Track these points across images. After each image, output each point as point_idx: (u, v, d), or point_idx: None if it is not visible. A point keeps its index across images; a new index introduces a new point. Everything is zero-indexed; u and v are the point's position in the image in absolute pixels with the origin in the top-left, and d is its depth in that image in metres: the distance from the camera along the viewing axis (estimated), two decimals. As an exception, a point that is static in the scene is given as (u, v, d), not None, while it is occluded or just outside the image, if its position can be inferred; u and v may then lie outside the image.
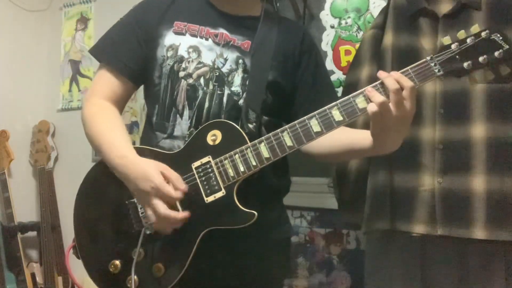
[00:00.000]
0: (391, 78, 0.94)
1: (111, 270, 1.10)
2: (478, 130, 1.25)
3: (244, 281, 1.14)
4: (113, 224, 1.13)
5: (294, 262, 1.89)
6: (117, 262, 1.10)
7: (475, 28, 0.95)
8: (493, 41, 0.93)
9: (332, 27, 1.84)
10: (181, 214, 1.01)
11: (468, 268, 1.27)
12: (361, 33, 1.76)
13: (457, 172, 1.26)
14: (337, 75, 1.82)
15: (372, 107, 0.93)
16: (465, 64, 0.94)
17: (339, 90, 1.77)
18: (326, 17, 1.86)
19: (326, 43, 1.85)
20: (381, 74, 0.96)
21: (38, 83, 2.71)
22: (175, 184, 1.01)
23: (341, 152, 1.14)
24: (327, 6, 1.86)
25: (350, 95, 0.98)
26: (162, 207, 0.99)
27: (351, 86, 1.50)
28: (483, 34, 0.94)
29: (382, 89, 0.95)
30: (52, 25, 2.74)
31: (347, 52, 1.80)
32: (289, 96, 1.22)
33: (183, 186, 1.02)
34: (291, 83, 1.21)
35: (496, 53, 0.93)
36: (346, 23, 1.81)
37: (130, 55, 1.19)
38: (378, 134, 0.98)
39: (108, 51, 1.22)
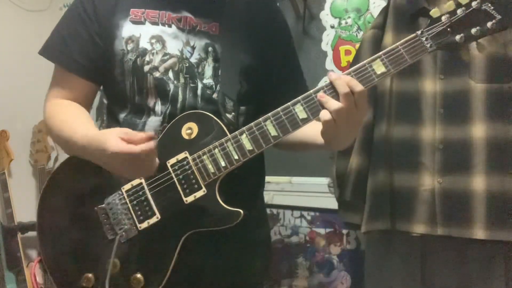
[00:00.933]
0: (341, 80, 0.88)
1: (84, 284, 0.99)
2: (478, 130, 1.25)
3: (223, 281, 1.06)
4: (83, 233, 1.01)
5: (294, 262, 1.89)
6: (90, 275, 0.99)
7: None
8: (484, 11, 0.88)
9: (332, 27, 1.84)
10: (146, 136, 0.88)
11: (468, 268, 1.27)
12: (361, 33, 1.76)
13: (457, 172, 1.26)
14: (337, 75, 1.82)
15: (325, 115, 0.88)
16: (457, 37, 0.89)
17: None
18: (326, 17, 1.86)
19: (326, 43, 1.85)
20: (331, 76, 0.90)
21: (38, 83, 2.70)
22: (134, 140, 0.88)
23: (295, 144, 1.10)
24: (327, 6, 1.86)
25: (311, 91, 0.93)
26: (138, 164, 0.88)
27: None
28: (474, 4, 0.88)
29: (332, 91, 0.89)
30: (52, 25, 2.71)
31: (347, 52, 1.80)
32: (263, 80, 1.12)
33: (144, 134, 0.89)
34: (265, 66, 1.11)
35: (489, 24, 0.88)
36: (346, 23, 1.81)
37: (84, 52, 1.06)
38: (329, 137, 0.94)
39: (58, 50, 1.09)
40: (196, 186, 0.96)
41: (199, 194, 0.96)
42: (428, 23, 0.91)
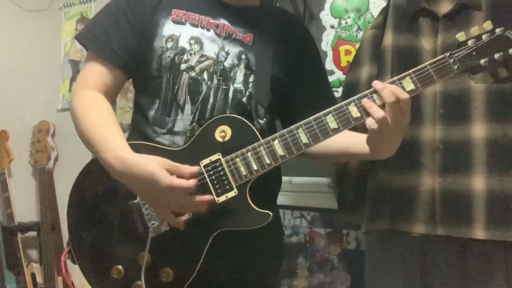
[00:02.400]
0: (387, 90, 0.93)
1: (114, 276, 1.04)
2: (478, 130, 1.25)
3: (238, 283, 1.10)
4: (113, 227, 1.06)
5: (294, 262, 1.89)
6: (120, 267, 1.04)
7: (488, 25, 0.96)
8: (506, 38, 0.94)
9: (332, 27, 1.84)
10: (207, 196, 0.96)
11: (468, 268, 1.27)
12: (361, 33, 1.76)
13: (457, 172, 1.26)
14: (337, 75, 1.82)
15: (372, 124, 0.93)
16: (482, 61, 0.95)
17: (339, 90, 1.77)
18: (326, 17, 1.86)
19: (326, 43, 1.85)
20: (377, 85, 0.95)
21: (38, 83, 2.71)
22: (183, 174, 0.95)
23: (336, 154, 1.13)
24: (327, 6, 1.86)
25: (367, 91, 0.97)
26: (189, 200, 0.94)
27: (351, 86, 1.50)
28: (498, 31, 0.94)
29: (377, 98, 0.95)
30: (52, 25, 2.73)
31: (347, 52, 1.80)
32: (287, 93, 1.18)
33: (192, 169, 0.95)
34: (291, 80, 1.17)
35: (511, 50, 0.94)
36: (346, 23, 1.81)
37: (123, 44, 1.10)
38: (375, 145, 0.98)
39: (98, 39, 1.11)
40: (228, 187, 0.99)
41: (231, 194, 0.99)
42: (455, 46, 0.97)
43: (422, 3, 1.36)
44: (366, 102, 0.95)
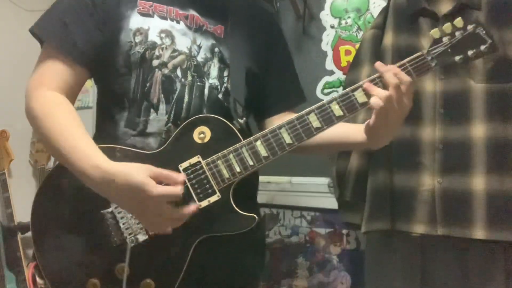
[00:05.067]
0: (390, 72, 0.93)
1: None
2: (478, 130, 1.25)
3: (220, 281, 1.04)
4: (86, 238, 0.97)
5: (294, 262, 1.89)
6: (95, 281, 0.96)
7: (458, 22, 0.96)
8: (478, 35, 0.95)
9: (332, 27, 1.84)
10: (193, 206, 0.90)
11: (468, 268, 1.27)
12: (361, 33, 1.76)
13: (457, 172, 1.26)
14: (337, 75, 1.82)
15: (377, 102, 0.91)
16: (457, 58, 0.97)
17: (339, 90, 1.77)
18: (326, 17, 1.86)
19: (326, 43, 1.85)
20: (380, 67, 0.94)
21: (38, 83, 2.71)
22: (170, 181, 0.88)
23: (332, 144, 1.10)
24: (327, 6, 1.86)
25: (348, 89, 0.97)
26: (174, 212, 0.88)
27: (351, 86, 1.50)
28: (469, 28, 0.96)
29: (381, 84, 0.94)
30: (52, 25, 2.73)
31: (347, 52, 1.80)
32: (259, 87, 1.13)
33: (180, 177, 0.89)
34: (263, 73, 1.13)
35: (482, 47, 0.95)
36: (346, 23, 1.81)
37: (85, 38, 0.99)
38: (378, 129, 0.96)
39: (57, 32, 0.99)
40: (210, 191, 0.95)
41: (214, 199, 0.95)
42: (431, 42, 0.97)
43: (422, 3, 1.36)
44: (368, 85, 0.94)
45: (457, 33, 0.96)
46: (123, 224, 0.96)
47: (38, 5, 2.70)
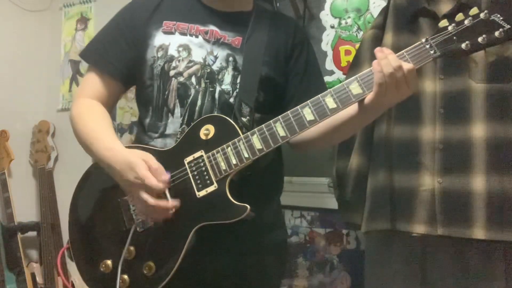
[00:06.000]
0: (393, 55, 0.95)
1: (102, 269, 1.08)
2: (478, 130, 1.25)
3: (237, 283, 1.11)
4: (105, 223, 1.11)
5: (294, 262, 1.89)
6: (109, 261, 1.07)
7: (473, 11, 0.94)
8: (492, 21, 0.92)
9: (332, 27, 1.84)
10: (171, 202, 0.99)
11: (468, 268, 1.27)
12: (361, 33, 1.76)
13: (457, 172, 1.26)
14: (337, 75, 1.82)
15: (380, 78, 0.94)
16: (463, 45, 0.93)
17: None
18: (326, 17, 1.86)
19: (326, 43, 1.85)
20: (379, 52, 0.96)
21: (38, 83, 2.71)
22: (156, 175, 0.99)
23: (327, 130, 1.10)
24: (327, 6, 1.86)
25: (343, 82, 0.98)
26: (149, 198, 0.98)
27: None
28: (482, 15, 0.93)
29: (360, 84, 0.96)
30: (52, 25, 2.73)
31: (347, 52, 1.80)
32: (281, 91, 1.20)
33: (165, 176, 1.00)
34: (283, 78, 1.20)
35: (497, 33, 0.92)
36: (346, 23, 1.81)
37: (119, 56, 1.18)
38: (372, 103, 0.97)
39: (97, 53, 1.21)
40: (208, 181, 1.03)
41: (211, 189, 1.02)
42: (435, 31, 0.95)
43: (422, 3, 1.36)
44: (379, 57, 0.96)
45: (467, 21, 0.93)
46: (133, 210, 1.08)
47: (38, 5, 2.71)
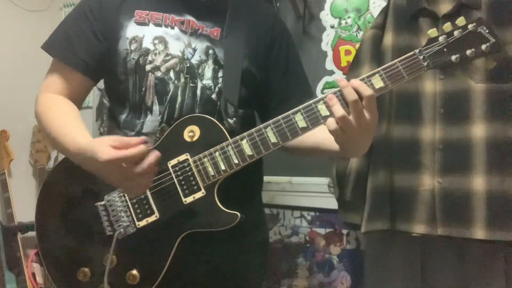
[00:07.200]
0: (349, 88, 0.89)
1: (79, 278, 1.01)
2: (478, 130, 1.25)
3: (220, 285, 1.07)
4: (81, 228, 1.03)
5: (294, 262, 1.89)
6: (86, 269, 1.01)
7: (461, 21, 0.94)
8: (479, 34, 0.92)
9: (332, 27, 1.84)
10: (152, 154, 0.89)
11: (468, 268, 1.27)
12: (361, 33, 1.76)
13: (457, 172, 1.26)
14: (337, 75, 1.81)
15: (331, 124, 0.89)
16: (453, 58, 0.93)
17: (339, 90, 1.77)
18: (326, 17, 1.86)
19: (326, 43, 1.85)
20: (340, 82, 0.91)
21: (38, 83, 2.70)
22: (126, 146, 0.88)
23: (309, 150, 1.10)
24: (327, 6, 1.86)
25: (311, 101, 0.95)
26: (136, 169, 0.88)
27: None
28: (470, 26, 0.93)
29: (342, 97, 0.90)
30: (52, 25, 2.69)
31: (347, 52, 1.80)
32: (262, 84, 1.14)
33: (133, 140, 0.89)
34: (263, 72, 1.14)
35: (483, 47, 0.92)
36: (346, 23, 1.81)
37: (86, 49, 1.09)
38: (342, 144, 0.94)
39: (61, 46, 1.11)
40: (195, 187, 0.98)
41: (198, 195, 0.97)
42: (426, 42, 0.94)
43: (422, 3, 1.36)
44: (330, 99, 0.91)
45: (456, 32, 0.93)
46: (113, 216, 1.01)
47: (38, 5, 2.70)
